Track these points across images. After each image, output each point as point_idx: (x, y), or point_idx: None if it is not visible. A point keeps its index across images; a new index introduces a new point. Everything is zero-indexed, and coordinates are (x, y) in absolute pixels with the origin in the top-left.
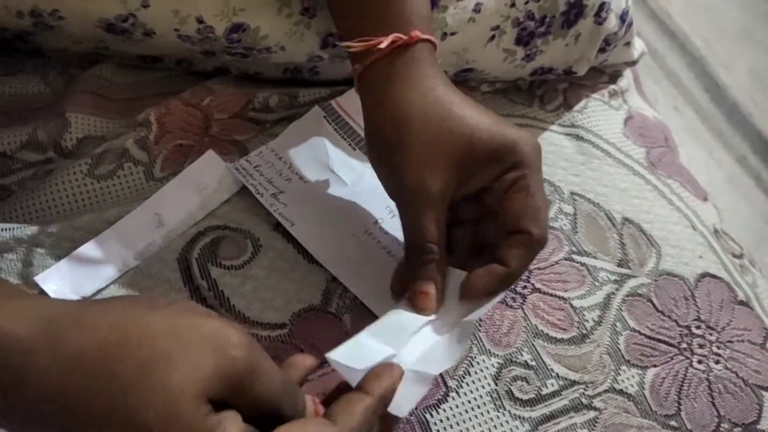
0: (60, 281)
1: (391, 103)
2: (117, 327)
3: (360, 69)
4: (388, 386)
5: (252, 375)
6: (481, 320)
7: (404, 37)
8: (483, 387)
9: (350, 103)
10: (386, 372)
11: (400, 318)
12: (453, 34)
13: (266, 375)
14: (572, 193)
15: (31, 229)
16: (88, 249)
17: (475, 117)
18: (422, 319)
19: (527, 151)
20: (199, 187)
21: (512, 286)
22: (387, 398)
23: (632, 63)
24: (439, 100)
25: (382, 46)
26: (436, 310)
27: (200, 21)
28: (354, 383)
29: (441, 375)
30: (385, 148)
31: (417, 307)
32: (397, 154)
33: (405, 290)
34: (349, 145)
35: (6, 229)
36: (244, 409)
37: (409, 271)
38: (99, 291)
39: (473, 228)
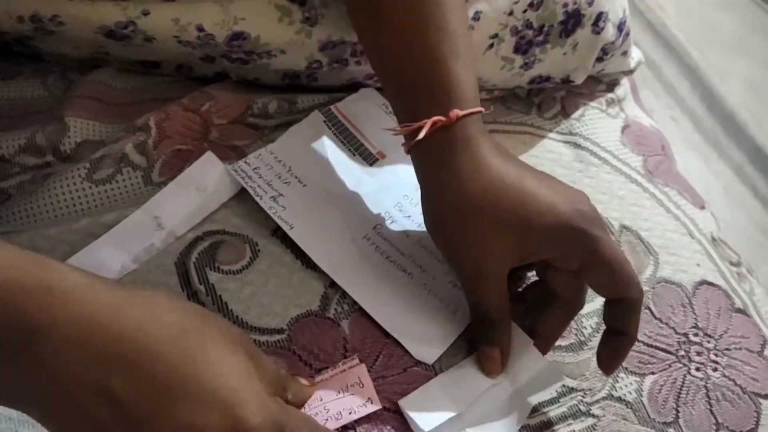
0: None
1: (440, 188)
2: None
3: (407, 148)
4: None
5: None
6: None
7: (443, 119)
8: None
9: (350, 109)
10: None
11: (470, 374)
12: None
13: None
14: None
15: (29, 233)
16: (86, 253)
17: (531, 193)
18: (489, 381)
19: (585, 225)
20: (197, 189)
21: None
22: None
23: (629, 72)
24: (490, 182)
25: (420, 137)
26: (502, 370)
27: (200, 29)
28: None
29: None
30: (441, 232)
31: (483, 369)
32: (453, 238)
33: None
34: (349, 149)
35: (4, 233)
36: None
37: (476, 334)
38: None
39: (541, 282)
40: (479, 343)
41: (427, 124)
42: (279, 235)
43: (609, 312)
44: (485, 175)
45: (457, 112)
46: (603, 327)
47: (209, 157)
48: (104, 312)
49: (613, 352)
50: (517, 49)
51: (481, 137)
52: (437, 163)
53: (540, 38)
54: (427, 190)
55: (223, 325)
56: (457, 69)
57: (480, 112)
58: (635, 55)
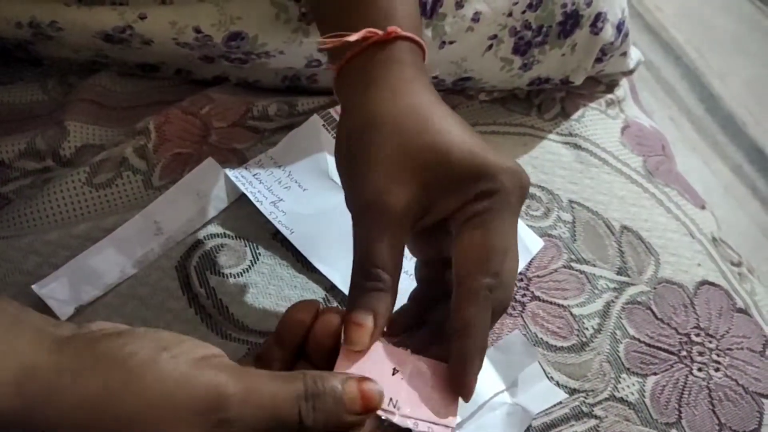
0: (58, 289)
1: (360, 107)
2: (94, 407)
3: (335, 69)
4: None
5: (249, 413)
6: None
7: (380, 32)
8: None
9: None
10: None
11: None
12: (451, 42)
13: (270, 414)
14: (571, 201)
15: (28, 238)
16: (86, 257)
17: (456, 133)
18: (490, 391)
19: (505, 181)
20: (198, 195)
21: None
22: None
23: (629, 72)
24: (415, 108)
25: (351, 39)
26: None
27: (198, 30)
28: None
29: None
30: (348, 156)
31: (347, 339)
32: (360, 163)
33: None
34: None
35: (4, 238)
36: None
37: (351, 293)
38: (97, 299)
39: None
40: (351, 306)
41: (361, 32)
42: (279, 238)
43: (454, 298)
44: (414, 98)
45: (396, 30)
46: (605, 328)
47: (210, 163)
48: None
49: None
50: (516, 50)
51: (420, 70)
52: (360, 81)
53: (539, 39)
54: (342, 112)
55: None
56: None
57: (419, 44)
58: (634, 55)
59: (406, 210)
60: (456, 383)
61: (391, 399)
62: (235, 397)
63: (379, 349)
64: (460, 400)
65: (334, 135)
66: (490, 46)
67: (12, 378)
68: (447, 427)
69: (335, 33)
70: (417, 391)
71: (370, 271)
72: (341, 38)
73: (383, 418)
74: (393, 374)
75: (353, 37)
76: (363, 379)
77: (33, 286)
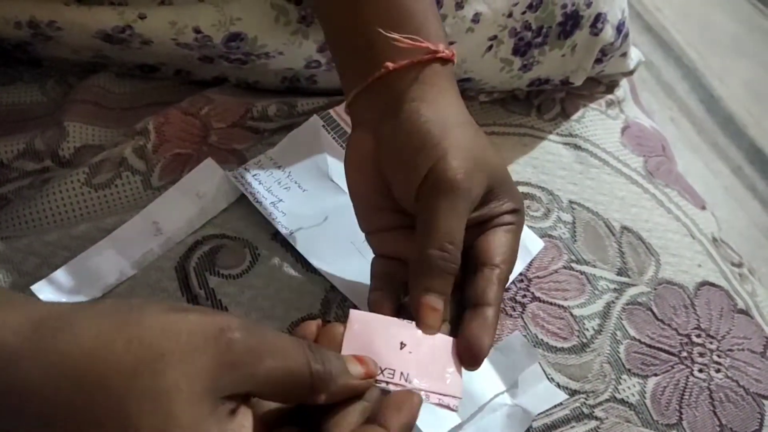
0: (56, 290)
1: (433, 105)
2: (105, 331)
3: (391, 67)
4: (408, 420)
5: (258, 354)
6: None
7: (448, 52)
8: None
9: None
10: (406, 403)
11: (473, 384)
12: (451, 43)
13: (276, 346)
14: (571, 202)
15: (27, 238)
16: (85, 258)
17: (498, 153)
18: (491, 392)
19: (522, 205)
20: (197, 195)
21: (512, 295)
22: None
23: (629, 73)
24: (473, 124)
25: (437, 48)
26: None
27: (197, 31)
28: None
29: None
30: (428, 142)
31: (421, 322)
32: (444, 148)
33: (394, 303)
34: None
35: (3, 238)
36: (270, 395)
37: (418, 278)
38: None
39: None
40: (425, 287)
41: (440, 44)
42: (279, 239)
43: (478, 278)
44: (465, 111)
45: (454, 52)
46: (605, 329)
47: (209, 164)
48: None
49: (483, 329)
50: (515, 51)
51: (453, 84)
52: (423, 84)
53: (539, 40)
54: (394, 105)
55: (184, 370)
56: (425, 10)
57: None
58: (635, 56)
59: (474, 200)
60: (471, 351)
61: (402, 373)
62: (242, 323)
63: (384, 324)
64: (460, 401)
65: (334, 136)
66: (490, 47)
67: (25, 317)
68: (455, 398)
69: (411, 36)
70: (426, 363)
71: (449, 248)
72: (422, 44)
73: (394, 389)
74: (401, 348)
75: (441, 47)
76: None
77: (32, 287)
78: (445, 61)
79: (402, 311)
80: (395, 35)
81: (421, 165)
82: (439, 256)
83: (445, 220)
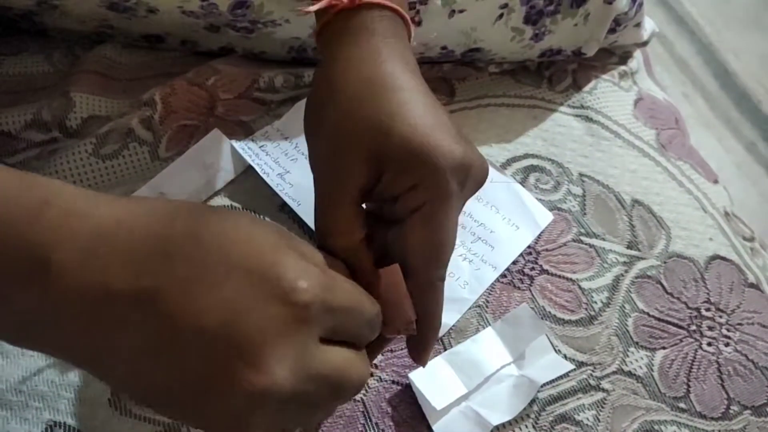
0: None
1: (321, 77)
2: (229, 229)
3: (316, 30)
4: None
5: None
6: (487, 301)
7: (344, 0)
8: None
9: None
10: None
11: (479, 354)
12: (461, 11)
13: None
14: (581, 175)
15: None
16: None
17: (410, 109)
18: (498, 362)
19: (446, 169)
20: (204, 166)
21: (520, 267)
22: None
23: (642, 44)
24: (370, 80)
25: (311, 9)
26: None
27: None
28: (430, 419)
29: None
30: (306, 126)
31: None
32: (320, 126)
33: None
34: None
35: None
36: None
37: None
38: None
39: None
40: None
41: (324, 2)
42: (287, 210)
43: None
44: (378, 68)
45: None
46: (613, 302)
47: (216, 134)
48: (107, 223)
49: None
50: (527, 20)
51: (398, 43)
52: (336, 43)
53: (551, 8)
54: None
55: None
56: None
57: (406, 20)
58: (648, 26)
59: (351, 179)
60: (418, 356)
61: None
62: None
63: None
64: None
65: None
66: (501, 15)
67: (134, 203)
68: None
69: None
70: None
71: (325, 240)
72: (318, 7)
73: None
74: None
75: (315, 7)
76: None
77: None
78: (350, 11)
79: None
80: (299, 8)
81: (309, 144)
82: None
83: (322, 215)
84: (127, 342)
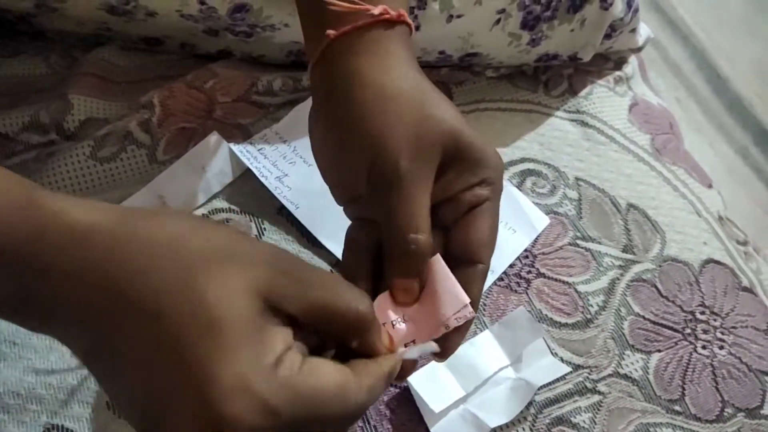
0: None
1: (367, 77)
2: (185, 225)
3: (332, 36)
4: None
5: (309, 281)
6: (485, 304)
7: (393, 12)
8: None
9: None
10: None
11: (477, 357)
12: (459, 16)
13: (329, 282)
14: (577, 179)
15: None
16: None
17: (459, 117)
18: (496, 365)
19: (500, 172)
20: (202, 170)
21: (517, 270)
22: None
23: (637, 50)
24: (422, 87)
25: (375, 12)
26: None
27: (202, 2)
28: (428, 422)
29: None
30: (364, 126)
31: (397, 301)
32: (375, 138)
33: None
34: None
35: None
36: (312, 323)
37: (391, 266)
38: None
39: None
40: (394, 276)
41: (379, 7)
42: (285, 213)
43: (463, 276)
44: (417, 77)
45: (404, 14)
46: (609, 305)
47: (214, 138)
48: (95, 259)
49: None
50: (524, 25)
51: (413, 52)
52: (364, 53)
53: (547, 14)
54: (336, 80)
55: (247, 263)
56: None
57: (412, 31)
58: (643, 32)
59: (431, 178)
60: (450, 346)
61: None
62: (297, 263)
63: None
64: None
65: None
66: (498, 21)
67: (108, 207)
68: (464, 306)
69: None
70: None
71: (414, 238)
72: (359, 6)
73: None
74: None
75: (376, 11)
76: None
77: None
78: (392, 23)
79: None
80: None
81: (359, 161)
82: (407, 249)
83: (403, 211)
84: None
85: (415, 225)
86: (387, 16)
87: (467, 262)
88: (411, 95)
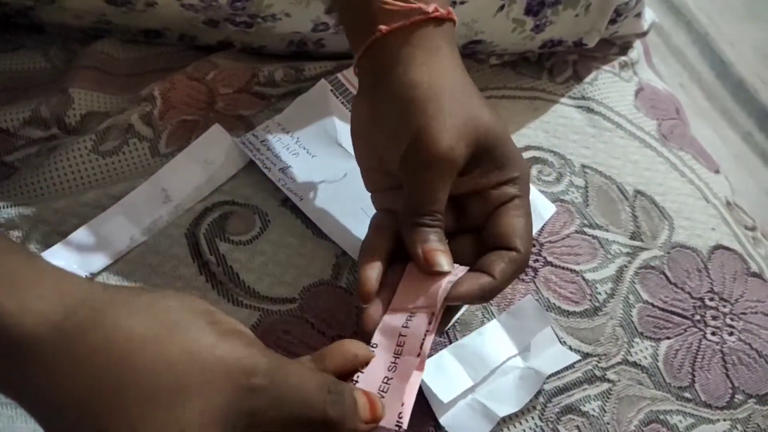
0: (67, 257)
1: (423, 67)
2: (136, 339)
3: (384, 30)
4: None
5: (278, 402)
6: None
7: (443, 10)
8: None
9: None
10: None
11: (484, 346)
12: (463, 3)
13: (296, 394)
14: (583, 166)
15: (36, 206)
16: (95, 225)
17: (494, 116)
18: (504, 355)
19: (526, 170)
20: (205, 162)
21: None
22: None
23: (642, 34)
24: (468, 84)
25: (429, 9)
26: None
27: None
28: (437, 412)
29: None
30: (411, 109)
31: (431, 264)
32: (427, 116)
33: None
34: None
35: (11, 206)
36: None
37: (412, 235)
38: (107, 267)
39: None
40: (420, 241)
41: (431, 5)
42: (289, 205)
43: (492, 257)
44: (461, 75)
45: (452, 12)
46: (618, 293)
47: (217, 130)
48: (34, 378)
49: (473, 286)
50: (528, 11)
51: (457, 51)
52: (417, 46)
53: None
54: (388, 68)
55: (206, 353)
56: None
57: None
58: (648, 16)
59: (461, 167)
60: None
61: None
62: (267, 367)
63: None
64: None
65: (342, 100)
66: (502, 7)
67: (58, 301)
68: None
69: None
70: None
71: (433, 213)
72: (407, 4)
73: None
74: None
75: (430, 8)
76: (368, 392)
77: (43, 254)
78: (441, 21)
79: (396, 257)
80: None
81: (402, 135)
82: (422, 217)
83: (429, 191)
84: None
85: (435, 206)
86: (437, 14)
87: (498, 247)
88: (455, 92)
